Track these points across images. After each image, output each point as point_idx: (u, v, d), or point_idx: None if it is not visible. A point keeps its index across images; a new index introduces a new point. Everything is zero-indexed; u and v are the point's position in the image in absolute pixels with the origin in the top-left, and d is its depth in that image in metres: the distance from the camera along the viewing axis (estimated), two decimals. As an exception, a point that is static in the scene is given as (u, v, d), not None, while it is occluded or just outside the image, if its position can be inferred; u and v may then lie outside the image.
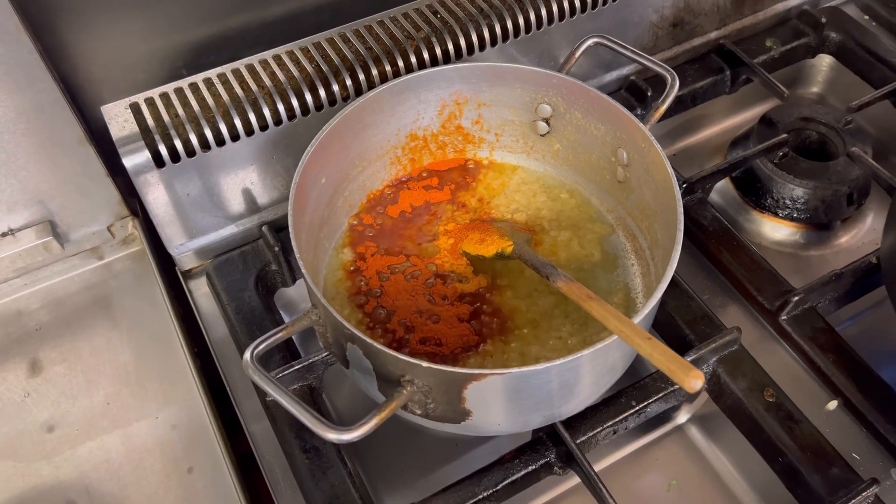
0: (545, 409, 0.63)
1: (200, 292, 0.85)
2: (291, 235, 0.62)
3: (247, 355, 0.58)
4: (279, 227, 0.83)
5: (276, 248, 0.81)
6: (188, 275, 0.86)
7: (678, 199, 0.64)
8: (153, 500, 0.71)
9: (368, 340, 0.57)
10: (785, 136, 0.91)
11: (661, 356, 0.51)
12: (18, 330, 0.83)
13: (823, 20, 1.03)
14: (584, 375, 0.61)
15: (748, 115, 1.04)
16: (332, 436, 0.54)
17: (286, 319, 0.83)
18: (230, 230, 0.85)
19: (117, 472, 0.73)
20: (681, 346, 0.76)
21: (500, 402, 0.61)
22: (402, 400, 0.57)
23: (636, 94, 0.96)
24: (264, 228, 0.83)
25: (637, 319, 0.57)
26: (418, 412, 0.61)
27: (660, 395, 0.73)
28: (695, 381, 0.49)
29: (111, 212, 0.86)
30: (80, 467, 0.73)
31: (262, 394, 0.74)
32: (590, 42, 0.76)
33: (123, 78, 0.82)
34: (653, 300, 0.58)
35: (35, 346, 0.81)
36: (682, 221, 0.63)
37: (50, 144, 0.78)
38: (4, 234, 0.82)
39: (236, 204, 0.83)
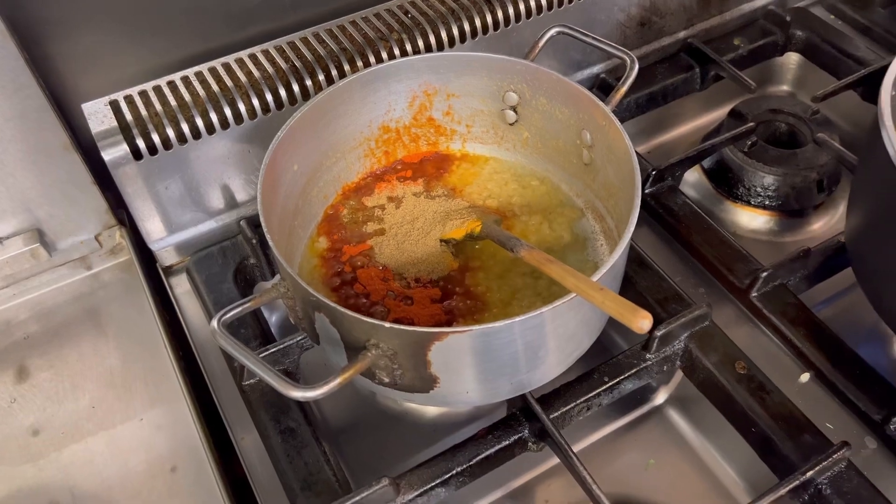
0: (512, 374, 0.63)
1: (182, 290, 0.86)
2: (260, 209, 0.64)
3: (214, 322, 0.58)
4: (257, 223, 0.83)
5: (254, 241, 0.82)
6: (169, 271, 0.87)
7: (635, 164, 0.66)
8: (137, 499, 0.71)
9: (333, 305, 0.58)
10: (752, 124, 0.93)
11: (611, 303, 0.52)
12: (6, 339, 0.83)
13: (788, 19, 1.05)
14: (547, 336, 0.62)
15: (720, 113, 1.06)
16: (296, 393, 0.55)
17: (265, 311, 0.84)
18: (209, 225, 0.86)
19: (101, 472, 0.73)
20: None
21: (465, 365, 0.61)
22: (367, 362, 0.58)
23: (607, 90, 0.97)
24: (242, 223, 0.84)
25: (598, 276, 0.58)
26: (386, 380, 0.61)
27: (632, 371, 0.73)
28: (642, 321, 0.50)
29: (98, 221, 0.87)
30: (65, 469, 0.73)
31: (239, 381, 0.75)
32: (552, 31, 0.78)
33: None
34: (616, 254, 0.60)
35: (22, 353, 0.82)
36: (640, 183, 0.64)
37: (36, 151, 0.78)
38: (-8, 242, 0.82)
39: (215, 199, 0.85)
